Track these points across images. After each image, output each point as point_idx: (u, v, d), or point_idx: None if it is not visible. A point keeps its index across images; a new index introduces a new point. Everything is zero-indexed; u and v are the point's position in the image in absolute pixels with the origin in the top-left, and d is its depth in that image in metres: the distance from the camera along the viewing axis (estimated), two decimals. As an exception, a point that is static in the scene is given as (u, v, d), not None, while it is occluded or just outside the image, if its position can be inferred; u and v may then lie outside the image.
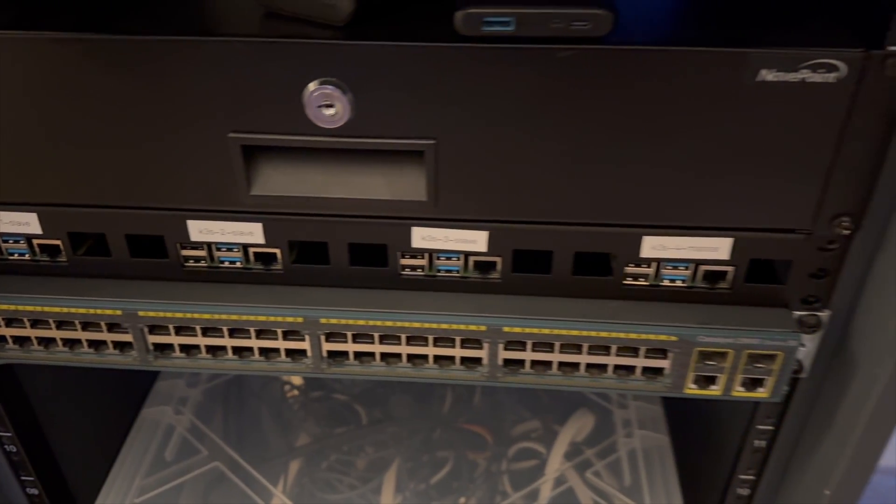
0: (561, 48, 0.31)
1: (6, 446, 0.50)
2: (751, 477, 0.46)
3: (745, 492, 0.46)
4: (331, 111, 0.33)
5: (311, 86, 0.32)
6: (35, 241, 0.39)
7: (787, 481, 0.45)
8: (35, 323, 0.40)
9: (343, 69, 0.32)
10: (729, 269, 0.36)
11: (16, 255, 0.40)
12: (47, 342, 0.41)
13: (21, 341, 0.41)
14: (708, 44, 0.31)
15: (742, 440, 0.44)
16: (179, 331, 0.39)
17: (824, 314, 0.38)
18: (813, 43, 0.30)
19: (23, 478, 0.52)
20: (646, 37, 0.31)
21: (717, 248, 0.36)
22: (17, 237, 0.39)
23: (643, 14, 0.33)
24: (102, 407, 0.59)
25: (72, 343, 0.41)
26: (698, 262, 0.37)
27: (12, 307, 0.39)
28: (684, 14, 0.34)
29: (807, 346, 0.38)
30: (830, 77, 0.30)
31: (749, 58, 0.30)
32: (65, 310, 0.39)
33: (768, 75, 0.31)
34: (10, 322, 0.40)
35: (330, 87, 0.32)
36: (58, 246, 0.39)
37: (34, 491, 0.52)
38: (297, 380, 0.66)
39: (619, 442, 0.55)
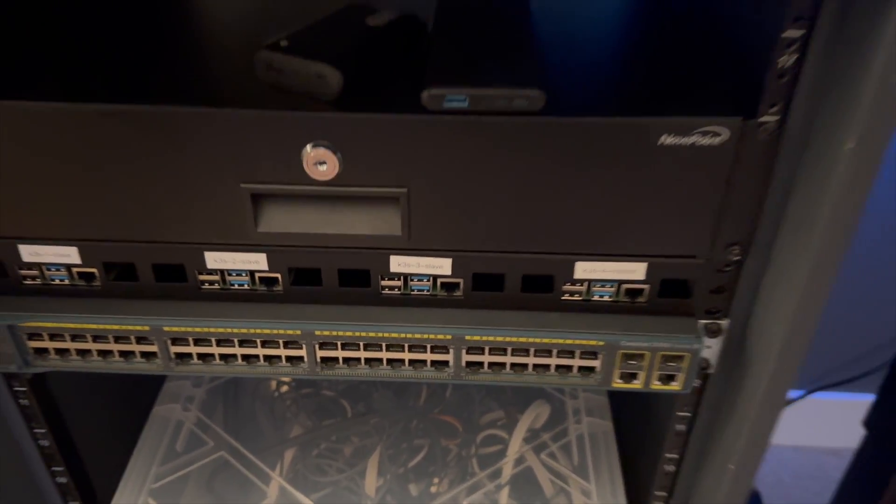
0: (505, 118, 0.39)
1: (40, 441, 0.57)
2: (675, 456, 0.55)
3: (671, 468, 0.55)
4: (323, 167, 0.41)
5: (308, 147, 0.40)
6: (74, 269, 0.47)
7: (703, 459, 0.54)
8: (74, 337, 0.48)
9: (333, 134, 0.40)
10: (645, 287, 0.45)
11: (57, 280, 0.47)
12: (84, 353, 0.48)
13: (61, 352, 0.48)
14: (621, 115, 0.39)
15: (666, 425, 0.53)
16: (197, 342, 0.47)
17: (724, 322, 0.46)
18: (701, 113, 0.39)
19: (53, 469, 0.59)
20: (573, 109, 0.40)
21: (635, 270, 0.44)
22: (59, 266, 0.47)
23: (571, 89, 0.42)
24: (119, 406, 0.67)
25: (105, 353, 0.48)
26: (620, 282, 0.45)
27: (55, 324, 0.47)
28: (604, 88, 0.43)
29: (712, 348, 0.47)
30: (716, 140, 0.39)
31: (652, 126, 0.39)
32: (100, 326, 0.47)
33: (667, 139, 0.39)
34: (52, 336, 0.48)
35: (322, 148, 0.40)
36: (93, 273, 0.47)
37: (63, 480, 0.60)
38: (288, 378, 0.74)
39: (570, 427, 0.64)
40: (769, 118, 0.38)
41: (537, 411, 0.67)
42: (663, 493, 0.57)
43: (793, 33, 0.36)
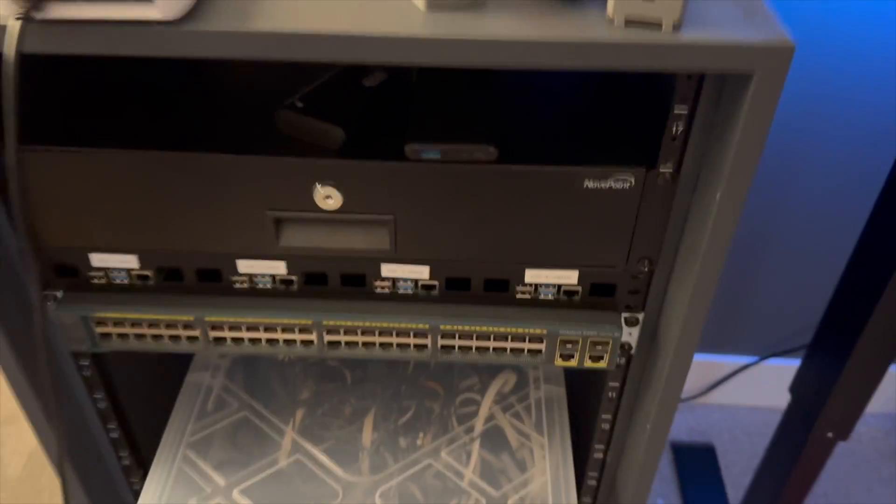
0: (469, 165, 0.51)
1: (98, 404, 0.71)
2: (609, 416, 0.68)
3: (606, 427, 0.69)
4: (330, 200, 0.53)
5: (318, 185, 0.53)
6: (133, 272, 0.59)
7: (630, 419, 0.68)
8: (132, 324, 0.61)
9: (337, 176, 0.52)
10: (578, 288, 0.58)
11: (119, 280, 0.60)
12: (140, 336, 0.61)
13: (122, 336, 0.61)
14: (556, 164, 0.51)
15: (602, 393, 0.67)
16: (230, 328, 0.60)
17: (640, 315, 0.60)
18: (615, 164, 0.51)
19: (108, 426, 0.73)
20: (521, 159, 0.52)
21: (570, 276, 0.57)
22: (121, 269, 0.59)
23: (520, 142, 0.54)
24: (159, 375, 0.81)
25: (156, 337, 0.61)
26: (560, 285, 0.58)
27: (117, 315, 0.60)
28: (545, 143, 0.55)
29: (632, 335, 0.60)
30: (626, 185, 0.52)
31: (579, 173, 0.51)
32: (153, 316, 0.60)
33: (590, 183, 0.52)
34: (115, 324, 0.61)
35: (329, 186, 0.53)
36: (148, 275, 0.60)
37: (115, 435, 0.73)
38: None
39: (531, 392, 0.78)
40: (665, 169, 0.51)
41: (505, 378, 0.81)
42: (601, 447, 0.71)
43: (680, 110, 0.48)
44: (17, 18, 0.40)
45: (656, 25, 0.42)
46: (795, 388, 0.95)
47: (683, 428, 1.46)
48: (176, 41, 0.42)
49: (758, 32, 0.42)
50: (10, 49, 0.40)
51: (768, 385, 1.42)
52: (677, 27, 0.42)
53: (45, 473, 1.35)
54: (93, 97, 0.59)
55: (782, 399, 0.98)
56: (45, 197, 0.54)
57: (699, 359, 1.43)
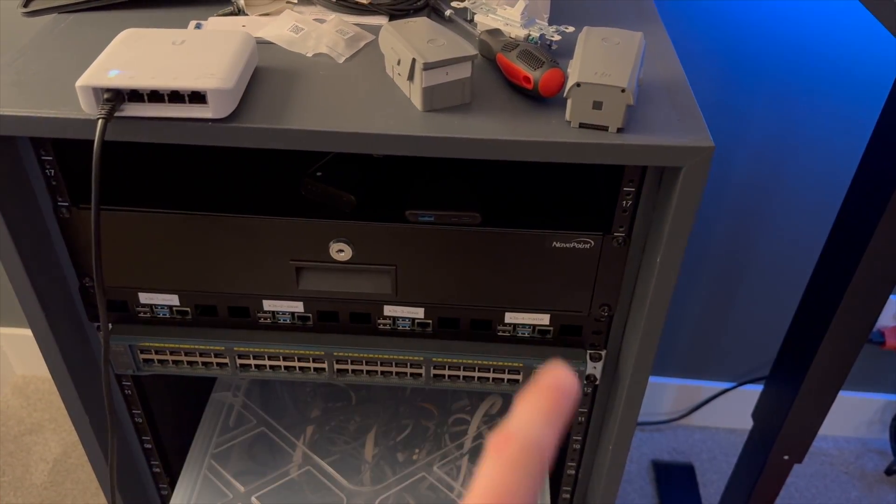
0: (458, 227, 0.62)
1: (135, 418, 0.81)
2: (579, 438, 0.79)
3: (577, 447, 0.80)
4: (342, 253, 0.64)
5: (332, 241, 0.64)
6: (174, 308, 0.70)
7: (596, 441, 0.78)
8: (171, 352, 0.71)
9: (349, 234, 0.63)
10: (550, 328, 0.69)
11: (161, 314, 0.71)
12: (177, 363, 0.72)
13: (162, 362, 0.72)
14: (528, 228, 0.62)
15: (573, 418, 0.77)
16: (255, 357, 0.71)
17: (603, 352, 0.70)
18: (577, 229, 0.62)
19: (143, 437, 0.84)
20: (501, 223, 0.63)
21: (543, 319, 0.68)
22: (164, 306, 0.70)
23: (501, 209, 0.65)
24: (188, 394, 0.91)
25: (192, 363, 0.72)
26: (534, 325, 0.69)
27: (159, 344, 0.71)
28: (520, 210, 0.66)
29: (597, 368, 0.71)
30: (587, 246, 0.62)
31: (547, 236, 0.62)
32: (190, 346, 0.71)
33: (557, 244, 0.62)
34: (157, 352, 0.71)
35: (342, 242, 0.64)
36: (187, 310, 0.70)
37: (148, 445, 0.84)
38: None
39: (514, 415, 0.88)
40: (618, 234, 0.62)
41: (493, 401, 0.91)
42: (573, 464, 0.81)
43: (629, 188, 0.59)
44: (100, 117, 0.51)
45: (604, 128, 0.53)
46: (756, 414, 1.06)
47: (665, 448, 1.56)
48: (224, 135, 0.53)
49: (686, 134, 0.53)
50: (97, 140, 0.51)
51: (743, 409, 1.51)
52: (621, 130, 0.53)
53: (69, 479, 1.45)
54: (146, 168, 0.71)
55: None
56: (105, 247, 0.65)
57: (681, 384, 1.53)
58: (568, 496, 0.84)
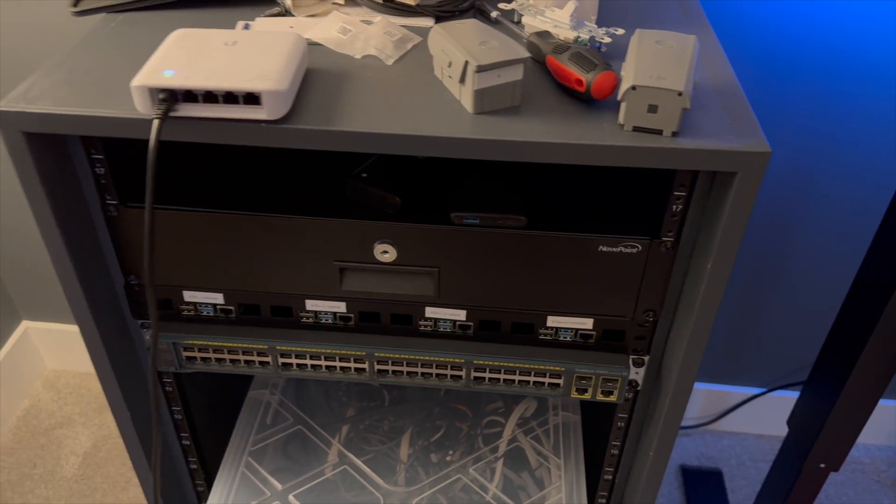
0: (503, 230, 0.62)
1: (175, 415, 0.82)
2: (618, 443, 0.78)
3: (615, 452, 0.79)
4: (386, 255, 0.64)
5: (377, 243, 0.64)
6: (218, 306, 0.71)
7: (637, 447, 0.78)
8: (214, 350, 0.72)
9: (393, 235, 0.63)
10: (593, 333, 0.68)
11: (205, 313, 0.71)
12: (220, 361, 0.72)
13: (205, 360, 0.73)
14: (576, 232, 0.62)
15: (612, 422, 0.77)
16: (297, 356, 0.71)
17: (646, 357, 0.69)
18: (625, 233, 0.62)
19: (181, 434, 0.84)
20: (546, 226, 0.63)
21: (586, 323, 0.68)
22: (208, 304, 0.71)
23: (546, 213, 0.64)
24: (225, 392, 0.92)
25: (234, 361, 0.72)
26: (577, 329, 0.68)
27: (202, 342, 0.71)
28: (568, 213, 0.65)
29: (639, 374, 0.70)
30: (634, 251, 0.62)
31: (594, 240, 0.62)
32: (233, 344, 0.71)
33: (604, 248, 0.62)
34: (200, 349, 0.72)
35: (386, 243, 0.64)
36: (231, 309, 0.71)
37: (187, 442, 0.85)
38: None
39: (550, 418, 0.88)
40: (666, 239, 0.61)
41: (527, 405, 0.91)
42: (611, 469, 0.81)
43: (679, 192, 0.59)
44: (156, 117, 0.52)
45: (658, 132, 0.52)
46: (792, 421, 1.04)
47: (694, 453, 1.55)
48: (277, 136, 0.53)
49: (741, 139, 0.52)
50: (152, 140, 0.51)
51: (773, 415, 1.50)
52: (676, 134, 0.52)
53: (99, 473, 1.46)
54: (193, 168, 0.71)
55: (785, 428, 1.07)
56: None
57: (710, 388, 1.52)
58: (604, 501, 0.84)
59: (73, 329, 1.57)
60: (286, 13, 0.67)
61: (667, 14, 0.71)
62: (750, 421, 1.55)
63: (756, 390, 1.50)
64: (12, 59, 1.08)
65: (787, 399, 1.47)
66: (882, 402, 1.49)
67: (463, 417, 0.93)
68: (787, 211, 1.20)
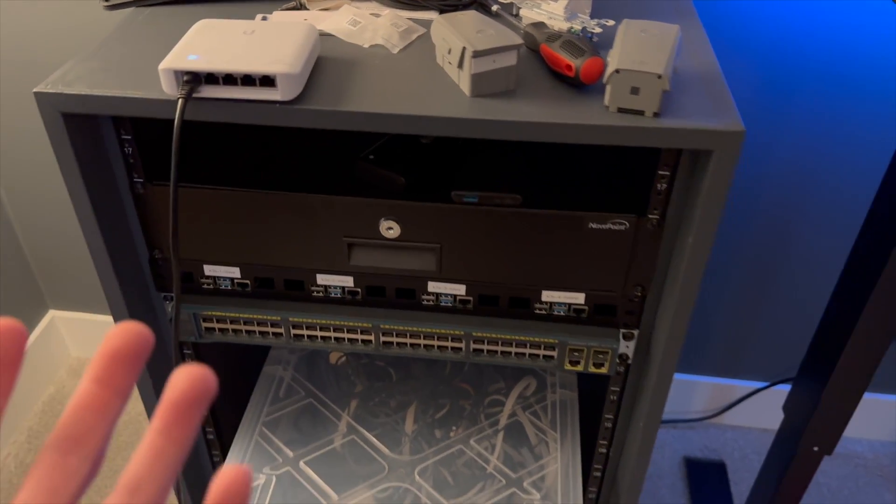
0: (500, 208, 0.67)
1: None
2: (611, 416, 0.82)
3: (608, 425, 0.83)
4: (391, 231, 0.69)
5: (382, 219, 0.68)
6: (235, 280, 0.76)
7: (629, 419, 0.82)
8: (231, 321, 0.77)
9: (398, 213, 0.68)
10: (585, 307, 0.73)
11: (223, 286, 0.76)
12: (237, 331, 0.78)
13: (223, 331, 0.78)
14: (567, 209, 0.66)
15: (604, 395, 0.81)
16: (307, 327, 0.76)
17: (636, 331, 0.74)
18: (613, 210, 0.66)
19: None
20: (540, 204, 0.67)
21: (578, 298, 0.72)
22: (226, 278, 0.76)
23: (540, 192, 0.69)
24: (242, 367, 0.97)
25: (250, 332, 0.77)
26: (570, 304, 0.73)
27: (221, 313, 0.76)
28: (560, 192, 0.70)
29: (629, 348, 0.75)
30: (622, 227, 0.66)
31: (584, 217, 0.66)
32: (248, 315, 0.76)
33: (594, 225, 0.66)
34: (218, 320, 0.77)
35: (391, 220, 0.68)
36: (247, 283, 0.76)
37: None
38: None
39: (549, 395, 0.92)
40: (652, 216, 0.65)
41: (528, 382, 0.95)
42: (605, 443, 0.85)
43: (664, 171, 0.63)
44: (181, 97, 0.57)
45: (641, 113, 0.57)
46: (787, 407, 1.08)
47: (697, 446, 1.58)
48: (290, 116, 0.58)
49: (717, 120, 0.56)
50: (177, 118, 0.56)
51: (776, 408, 1.53)
52: (657, 115, 0.57)
53: (120, 456, 1.52)
54: (215, 148, 0.76)
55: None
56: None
57: (713, 382, 1.55)
58: (599, 474, 0.88)
59: (97, 318, 1.63)
60: (301, 7, 0.72)
61: (659, 9, 0.75)
62: (753, 414, 1.58)
63: (759, 384, 1.53)
64: (49, 51, 1.15)
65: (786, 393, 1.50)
66: (885, 398, 1.52)
67: (466, 396, 0.97)
68: (788, 207, 1.23)
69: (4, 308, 1.50)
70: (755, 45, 1.06)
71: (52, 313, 1.64)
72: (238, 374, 0.98)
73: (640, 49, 0.57)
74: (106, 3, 0.74)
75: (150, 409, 0.82)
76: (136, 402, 1.60)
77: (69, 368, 1.70)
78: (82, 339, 1.68)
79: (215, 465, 0.94)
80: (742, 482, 1.51)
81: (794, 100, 1.10)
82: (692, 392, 1.58)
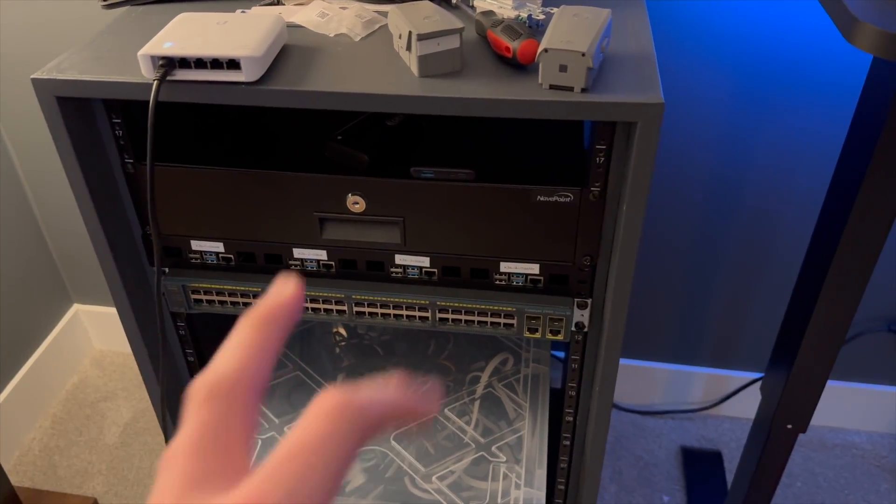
0: (454, 182, 0.72)
1: (188, 358, 0.94)
2: (574, 384, 0.87)
3: (573, 393, 0.88)
4: (357, 205, 0.75)
5: (349, 195, 0.74)
6: (220, 255, 0.82)
7: (590, 384, 0.86)
8: (217, 293, 0.83)
9: (363, 188, 0.74)
10: (541, 278, 0.78)
11: (210, 260, 0.83)
12: (222, 303, 0.84)
13: (210, 302, 0.84)
14: (516, 183, 0.71)
15: (566, 363, 0.85)
16: (286, 299, 0.82)
17: (588, 300, 0.78)
18: (558, 184, 0.71)
19: (194, 375, 0.96)
20: (492, 179, 0.72)
21: (533, 268, 0.77)
22: (212, 252, 0.82)
23: (492, 167, 0.74)
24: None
25: (234, 304, 0.84)
26: (527, 275, 0.78)
27: (207, 285, 0.83)
28: (509, 168, 0.75)
29: (584, 316, 0.79)
30: (567, 200, 0.71)
31: (532, 191, 0.71)
32: (233, 287, 0.82)
33: (541, 198, 0.72)
34: (205, 292, 0.84)
35: (357, 195, 0.74)
36: (231, 257, 0.82)
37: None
38: (342, 329, 1.09)
39: (522, 369, 0.97)
40: (594, 189, 0.70)
41: (503, 357, 1.00)
42: (571, 411, 0.89)
43: (600, 145, 0.68)
44: (155, 79, 0.64)
45: (570, 89, 0.62)
46: (763, 388, 1.11)
47: (694, 436, 1.61)
48: (255, 96, 0.64)
49: (641, 94, 0.61)
50: (152, 98, 0.63)
51: (768, 397, 1.55)
52: (585, 90, 0.62)
53: (137, 441, 1.60)
54: (199, 131, 0.83)
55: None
56: (162, 199, 0.78)
57: (710, 373, 1.58)
58: (568, 443, 0.92)
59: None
60: (278, 2, 0.79)
61: (611, 2, 0.80)
62: (750, 405, 1.60)
63: (756, 374, 1.55)
64: (49, 49, 1.24)
65: (783, 382, 1.52)
66: (882, 389, 1.53)
67: (448, 372, 1.03)
68: (779, 198, 1.27)
69: (30, 301, 1.59)
70: (732, 42, 1.10)
71: (76, 307, 1.73)
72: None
73: (570, 30, 0.62)
74: (104, 3, 0.82)
75: (144, 373, 0.88)
76: (143, 401, 1.69)
77: (92, 359, 1.79)
78: (105, 332, 1.77)
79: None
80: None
81: (776, 94, 1.14)
82: (689, 383, 1.60)
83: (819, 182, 1.23)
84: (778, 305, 1.42)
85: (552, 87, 0.62)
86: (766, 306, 1.43)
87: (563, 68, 0.61)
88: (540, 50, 0.61)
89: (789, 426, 1.06)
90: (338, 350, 1.06)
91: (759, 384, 1.57)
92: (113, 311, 1.73)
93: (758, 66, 1.12)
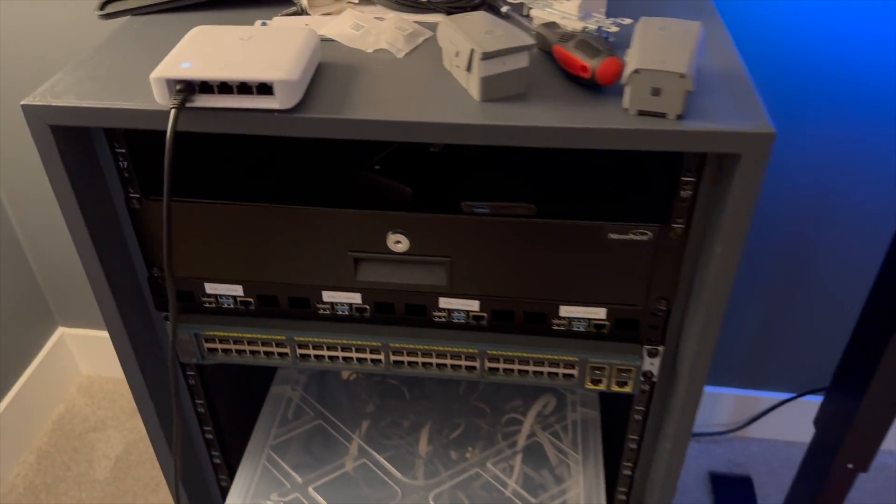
0: (513, 219, 0.63)
1: (198, 408, 0.84)
2: (635, 437, 0.78)
3: (633, 446, 0.79)
4: (399, 244, 0.65)
5: (390, 233, 0.65)
6: (238, 298, 0.72)
7: (655, 440, 0.77)
8: (235, 341, 0.73)
9: (406, 225, 0.64)
10: (607, 323, 0.69)
11: (226, 304, 0.73)
12: (240, 352, 0.74)
13: (226, 351, 0.74)
14: (586, 220, 0.62)
15: (629, 415, 0.77)
16: (314, 347, 0.72)
17: (661, 348, 0.69)
18: (635, 219, 0.62)
19: (204, 427, 0.86)
20: (556, 215, 0.63)
21: (599, 312, 0.68)
22: (229, 296, 0.72)
23: (556, 202, 0.65)
24: (248, 388, 0.93)
25: (254, 353, 0.74)
26: (590, 319, 0.69)
27: (223, 333, 0.73)
28: (578, 203, 0.66)
29: (654, 365, 0.70)
30: (644, 238, 0.62)
31: (604, 228, 0.62)
32: (252, 335, 0.73)
33: (614, 235, 0.62)
34: (220, 341, 0.74)
35: (399, 234, 0.65)
36: (250, 301, 0.72)
37: (210, 436, 0.86)
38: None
39: (569, 414, 0.88)
40: (677, 225, 0.61)
41: (546, 401, 0.91)
42: (629, 464, 0.81)
43: (688, 177, 0.59)
44: (173, 107, 0.54)
45: (662, 115, 0.53)
46: (819, 422, 1.03)
47: (722, 460, 1.53)
48: (289, 125, 0.54)
49: (745, 121, 0.52)
50: (169, 129, 0.53)
51: (803, 420, 1.47)
52: (680, 117, 0.53)
53: (130, 476, 1.49)
54: (213, 162, 0.73)
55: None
56: (173, 237, 0.68)
57: (738, 394, 1.50)
58: (624, 497, 0.83)
59: (108, 335, 1.61)
60: (302, 12, 0.69)
61: (678, 8, 0.71)
62: (779, 427, 1.52)
63: (785, 395, 1.47)
64: (41, 61, 1.13)
65: (816, 404, 1.44)
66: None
67: (482, 415, 0.94)
68: (817, 211, 1.19)
69: (13, 325, 1.48)
70: (777, 45, 1.01)
71: (61, 330, 1.62)
72: (245, 394, 0.94)
73: (661, 48, 0.53)
74: (101, 12, 0.71)
75: (151, 431, 0.79)
76: (135, 431, 1.58)
77: (79, 386, 1.67)
78: (93, 357, 1.66)
79: (223, 491, 0.91)
80: (769, 497, 1.45)
81: (822, 97, 1.06)
82: (716, 404, 1.52)
83: (866, 191, 1.15)
84: (812, 322, 1.34)
85: (641, 112, 0.53)
86: (799, 323, 1.35)
87: (656, 92, 0.52)
88: (629, 71, 0.52)
89: (850, 466, 0.98)
90: (360, 390, 0.96)
91: (789, 406, 1.50)
92: (101, 334, 1.63)
93: (795, 66, 1.03)
